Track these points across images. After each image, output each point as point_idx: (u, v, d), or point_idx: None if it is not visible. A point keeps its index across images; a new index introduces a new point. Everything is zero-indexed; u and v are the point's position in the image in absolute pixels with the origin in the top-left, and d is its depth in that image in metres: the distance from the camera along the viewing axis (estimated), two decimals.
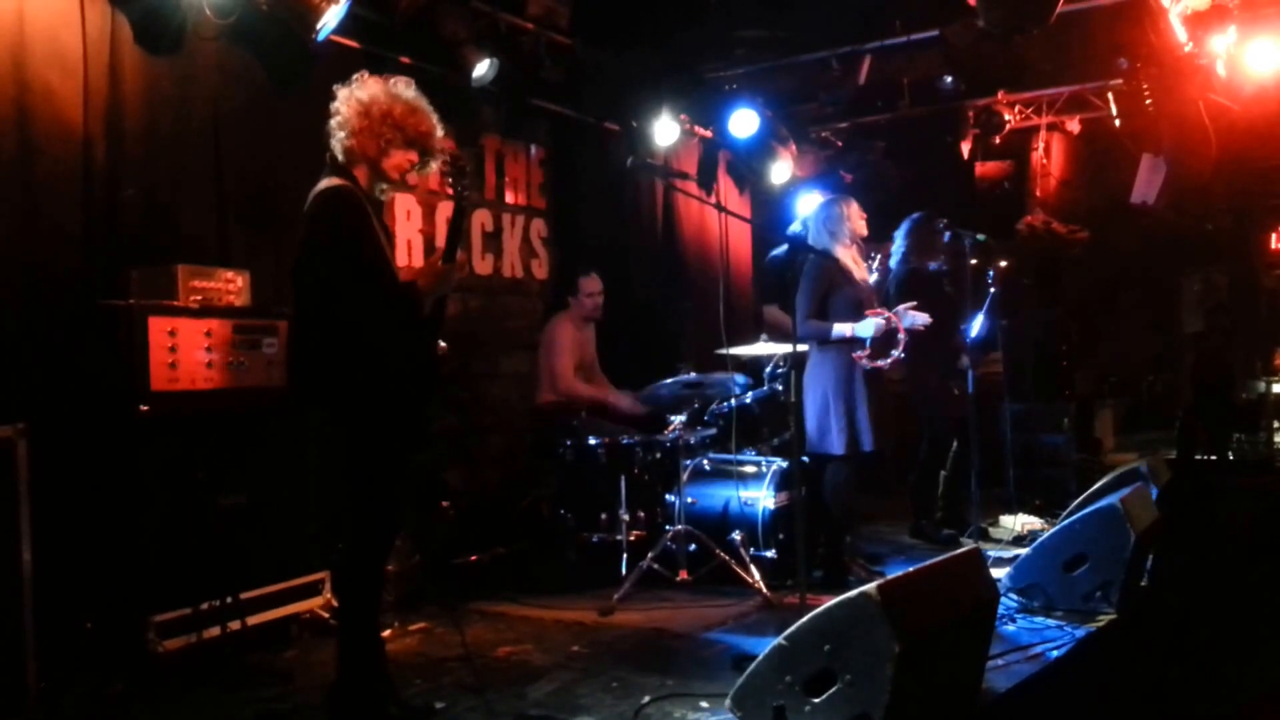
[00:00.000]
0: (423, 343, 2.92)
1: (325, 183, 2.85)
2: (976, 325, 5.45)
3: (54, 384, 3.32)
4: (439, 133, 2.99)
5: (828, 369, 4.46)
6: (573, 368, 5.20)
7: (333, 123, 2.90)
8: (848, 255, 4.56)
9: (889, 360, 4.45)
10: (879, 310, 4.43)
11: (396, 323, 2.83)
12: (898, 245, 5.56)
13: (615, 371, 5.61)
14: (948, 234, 5.25)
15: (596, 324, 5.49)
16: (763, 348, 5.14)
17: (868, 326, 4.36)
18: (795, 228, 6.22)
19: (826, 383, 4.44)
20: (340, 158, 2.90)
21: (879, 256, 5.53)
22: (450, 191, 2.99)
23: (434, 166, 3.01)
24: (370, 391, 2.78)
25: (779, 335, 5.38)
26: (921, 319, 4.53)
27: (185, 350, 3.41)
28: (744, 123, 6.49)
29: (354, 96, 2.88)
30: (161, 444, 3.35)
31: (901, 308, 4.50)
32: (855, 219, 4.59)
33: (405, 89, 2.95)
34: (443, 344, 3.03)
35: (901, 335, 4.45)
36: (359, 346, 2.77)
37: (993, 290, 5.51)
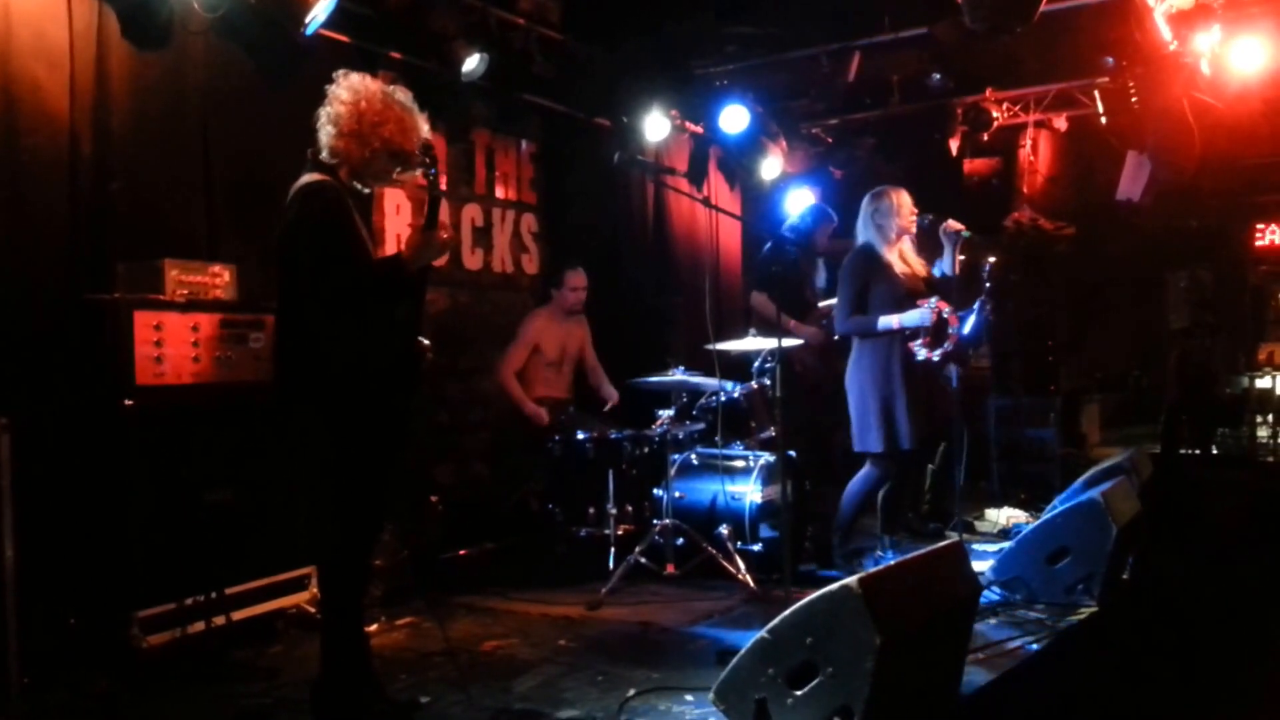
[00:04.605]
0: (403, 337, 2.91)
1: (306, 178, 2.85)
2: (970, 323, 5.48)
3: (38, 378, 3.31)
4: (426, 138, 2.97)
5: (865, 366, 4.39)
6: (520, 360, 5.19)
7: (322, 116, 2.88)
8: (893, 249, 4.45)
9: (941, 350, 4.34)
10: (927, 301, 4.32)
11: (378, 314, 2.83)
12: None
13: (606, 368, 5.62)
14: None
15: (588, 319, 5.49)
16: (751, 343, 5.15)
17: (913, 316, 4.26)
18: (793, 221, 6.24)
19: (865, 381, 4.38)
20: (324, 153, 2.89)
21: None
22: (423, 181, 2.98)
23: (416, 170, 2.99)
24: (352, 386, 2.79)
25: (763, 323, 5.39)
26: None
27: (171, 344, 3.40)
28: (734, 119, 6.50)
29: (349, 97, 2.86)
30: (147, 439, 3.34)
31: (935, 300, 4.40)
32: (905, 211, 4.46)
33: (401, 97, 2.92)
34: (426, 342, 3.04)
35: (954, 326, 4.34)
36: (340, 342, 2.78)
37: (988, 285, 5.53)
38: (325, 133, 2.88)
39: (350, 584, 2.87)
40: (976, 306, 5.55)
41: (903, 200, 4.49)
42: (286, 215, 2.82)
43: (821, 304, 5.92)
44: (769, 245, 5.96)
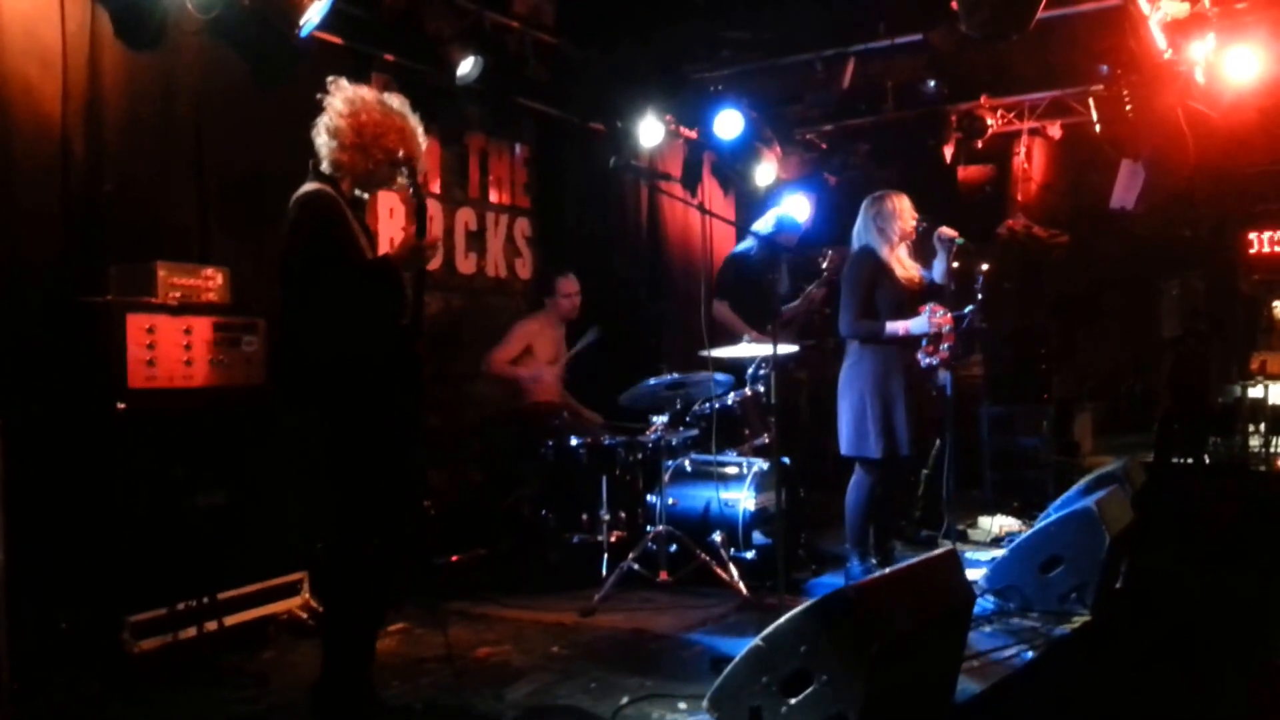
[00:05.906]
0: (403, 339, 2.91)
1: (306, 187, 2.87)
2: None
3: (30, 381, 3.29)
4: (423, 147, 3.01)
5: (865, 370, 4.34)
6: (515, 354, 5.20)
7: (322, 127, 2.89)
8: (893, 253, 4.44)
9: (941, 355, 4.34)
10: (927, 306, 4.31)
11: (377, 317, 2.83)
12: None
13: (600, 370, 5.60)
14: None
15: (572, 324, 5.47)
16: (744, 349, 5.14)
17: (920, 322, 4.25)
18: (764, 226, 6.19)
19: (864, 385, 4.32)
20: (325, 165, 2.90)
21: (829, 254, 5.51)
22: (409, 189, 3.00)
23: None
24: (355, 390, 2.79)
25: (724, 333, 5.32)
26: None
27: (164, 347, 3.39)
28: (729, 124, 6.51)
29: (347, 110, 2.86)
30: (139, 442, 3.32)
31: (931, 305, 4.40)
32: (906, 215, 4.42)
33: (396, 104, 2.95)
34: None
35: (947, 325, 4.33)
36: (342, 346, 2.78)
37: (980, 296, 5.54)
38: (326, 146, 2.88)
39: (350, 588, 2.86)
40: (966, 313, 5.56)
41: (903, 204, 4.46)
42: (286, 224, 2.85)
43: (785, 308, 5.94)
44: (754, 251, 5.89)
